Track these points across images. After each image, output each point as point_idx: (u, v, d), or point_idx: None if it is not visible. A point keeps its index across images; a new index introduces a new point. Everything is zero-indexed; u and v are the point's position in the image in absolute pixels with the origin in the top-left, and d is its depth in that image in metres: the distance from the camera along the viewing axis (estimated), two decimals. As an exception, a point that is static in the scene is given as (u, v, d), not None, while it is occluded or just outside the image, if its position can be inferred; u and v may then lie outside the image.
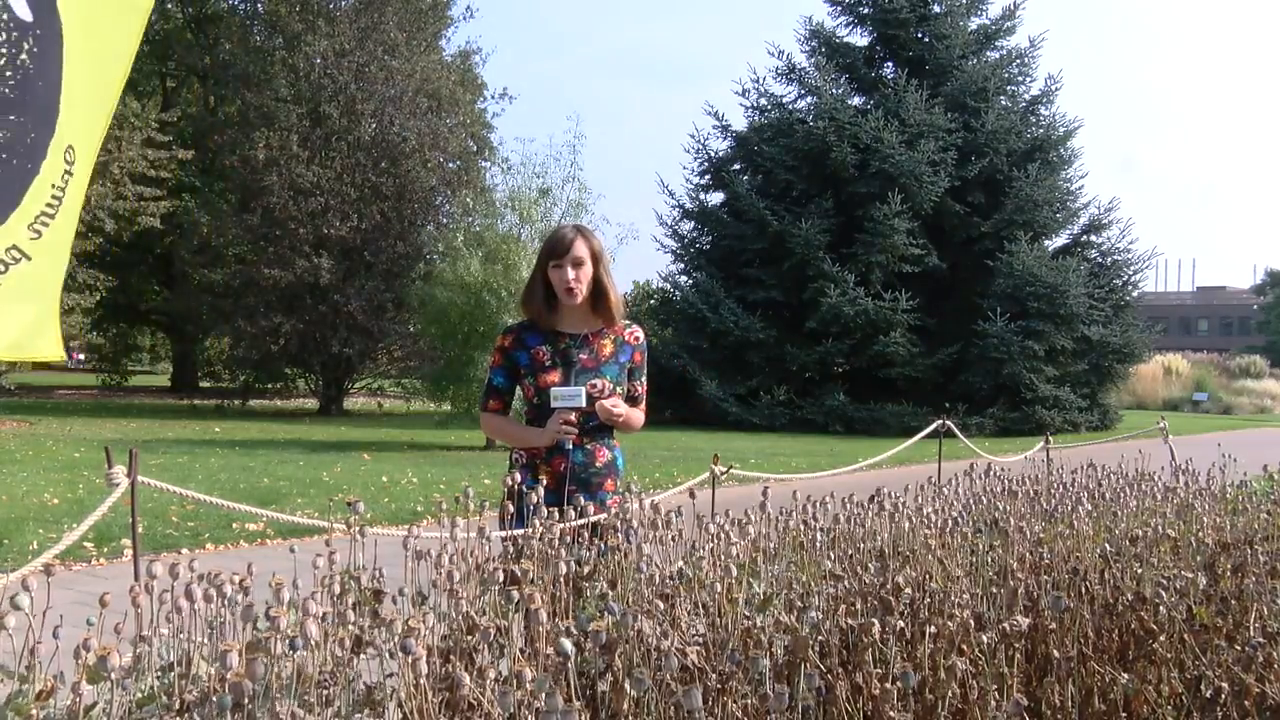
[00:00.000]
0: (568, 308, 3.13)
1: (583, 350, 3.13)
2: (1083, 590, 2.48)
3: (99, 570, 6.32)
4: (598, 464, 3.12)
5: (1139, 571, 2.60)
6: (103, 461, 2.77)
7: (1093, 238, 24.09)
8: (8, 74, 2.69)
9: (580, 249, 3.09)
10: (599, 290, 3.13)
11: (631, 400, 3.23)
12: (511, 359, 3.17)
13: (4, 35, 2.66)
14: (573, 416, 3.02)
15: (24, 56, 2.71)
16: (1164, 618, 2.38)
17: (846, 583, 2.39)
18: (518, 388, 3.23)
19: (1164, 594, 2.41)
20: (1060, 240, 23.96)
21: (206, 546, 7.10)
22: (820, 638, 2.06)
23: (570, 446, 3.04)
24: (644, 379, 3.28)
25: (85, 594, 4.95)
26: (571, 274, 3.07)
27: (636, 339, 3.25)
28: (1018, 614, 2.25)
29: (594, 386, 3.07)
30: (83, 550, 6.53)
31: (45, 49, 2.75)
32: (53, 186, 2.85)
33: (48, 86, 2.78)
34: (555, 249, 3.10)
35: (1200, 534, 3.05)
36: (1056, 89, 24.11)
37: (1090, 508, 3.37)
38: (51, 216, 2.84)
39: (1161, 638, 2.37)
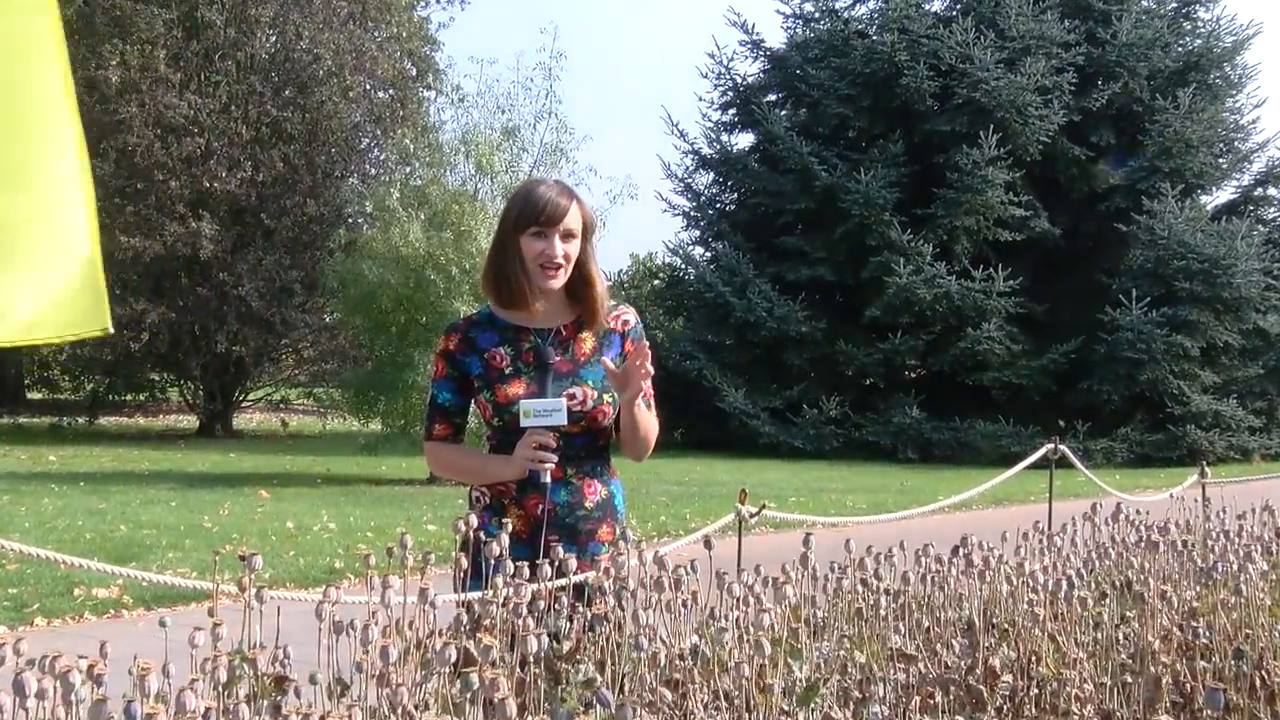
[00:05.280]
0: (537, 294, 3.13)
1: (556, 349, 3.12)
2: (1255, 681, 2.49)
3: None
4: (588, 504, 3.10)
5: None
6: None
7: (1272, 191, 24.09)
8: None
9: (574, 219, 3.09)
10: (583, 276, 3.13)
11: None
12: (460, 367, 3.16)
13: None
14: (550, 439, 3.01)
15: None
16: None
17: (921, 665, 2.40)
18: (473, 404, 3.22)
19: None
20: (1225, 195, 24.08)
21: (36, 622, 7.08)
22: (888, 741, 2.07)
23: (548, 480, 3.03)
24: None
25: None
26: (560, 248, 3.07)
27: (627, 325, 3.22)
28: (1162, 711, 2.26)
29: (572, 398, 3.05)
30: None
31: None
32: None
33: None
34: (541, 212, 3.08)
35: None
36: (1220, -17, 24.09)
37: (1266, 568, 3.37)
38: None
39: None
